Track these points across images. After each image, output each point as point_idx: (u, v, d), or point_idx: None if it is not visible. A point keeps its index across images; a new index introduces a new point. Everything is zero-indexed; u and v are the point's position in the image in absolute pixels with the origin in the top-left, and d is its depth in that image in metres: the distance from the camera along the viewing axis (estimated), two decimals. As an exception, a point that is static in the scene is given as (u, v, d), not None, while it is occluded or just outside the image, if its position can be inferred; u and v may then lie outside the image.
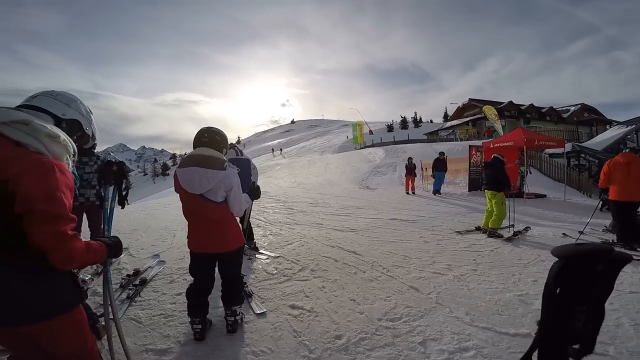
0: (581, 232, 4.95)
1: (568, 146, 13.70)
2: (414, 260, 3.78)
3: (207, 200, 2.03)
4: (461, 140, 24.81)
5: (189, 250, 2.17)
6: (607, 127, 24.69)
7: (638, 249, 4.25)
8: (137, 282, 3.11)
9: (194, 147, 2.15)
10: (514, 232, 5.15)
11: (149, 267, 3.65)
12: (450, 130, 33.38)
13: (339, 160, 21.64)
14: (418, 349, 1.98)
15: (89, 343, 1.33)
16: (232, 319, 2.25)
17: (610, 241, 4.60)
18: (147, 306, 2.70)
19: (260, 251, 4.20)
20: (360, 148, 30.28)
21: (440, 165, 10.99)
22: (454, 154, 13.63)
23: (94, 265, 3.35)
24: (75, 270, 1.63)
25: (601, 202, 6.16)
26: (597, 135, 21.52)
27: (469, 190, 10.96)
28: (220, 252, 2.14)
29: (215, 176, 2.00)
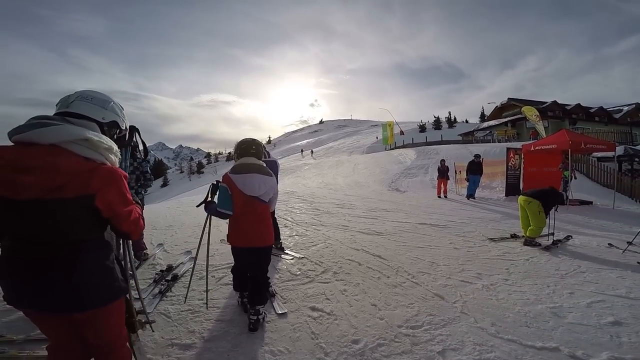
0: (630, 243, 4.54)
1: (620, 149, 12.58)
2: (441, 267, 3.67)
3: (260, 201, 2.46)
4: (499, 141, 23.59)
5: (230, 245, 2.54)
6: (666, 128, 22.38)
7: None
8: (169, 278, 3.29)
9: (241, 156, 2.56)
10: (554, 240, 4.83)
11: (181, 263, 3.84)
12: (488, 131, 31.83)
13: (367, 161, 21.43)
14: (436, 358, 1.94)
15: (123, 333, 1.45)
16: (255, 318, 2.39)
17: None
18: (177, 301, 2.83)
19: (286, 251, 4.28)
20: (391, 149, 29.78)
21: (475, 168, 10.51)
22: (491, 157, 13.02)
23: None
24: None
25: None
26: (654, 136, 19.57)
27: (506, 195, 10.40)
28: (262, 246, 2.49)
29: (270, 181, 2.51)
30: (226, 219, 2.47)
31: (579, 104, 30.90)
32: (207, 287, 2.76)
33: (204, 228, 2.70)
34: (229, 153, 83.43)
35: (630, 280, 3.23)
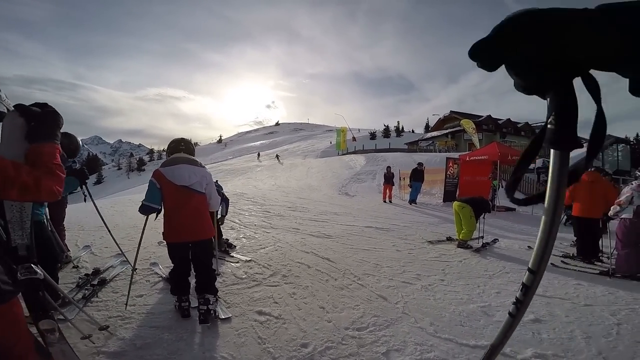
0: (545, 246, 5.16)
1: (539, 162, 14.35)
2: (385, 269, 3.82)
3: (193, 191, 2.48)
4: (440, 151, 25.47)
5: (166, 242, 2.52)
6: (578, 145, 25.97)
7: (595, 262, 4.50)
8: (95, 282, 2.98)
9: (172, 153, 2.64)
10: (483, 243, 5.31)
11: (110, 266, 3.51)
12: (430, 141, 34.16)
13: (320, 165, 21.68)
14: None
15: (23, 342, 1.24)
16: (205, 308, 2.40)
17: (571, 254, 4.84)
18: (104, 307, 2.61)
19: (231, 254, 4.12)
20: (343, 154, 30.49)
21: (417, 176, 11.20)
22: (432, 165, 13.95)
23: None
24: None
25: (565, 217, 6.48)
26: (566, 152, 22.62)
27: (444, 201, 11.23)
28: (198, 239, 2.50)
29: (200, 171, 2.54)
30: (151, 213, 2.50)
31: (509, 119, 34.48)
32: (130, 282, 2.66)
33: (143, 230, 2.71)
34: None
35: (545, 279, 3.65)
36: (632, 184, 4.12)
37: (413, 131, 73.54)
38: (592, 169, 5.08)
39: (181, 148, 2.68)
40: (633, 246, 3.94)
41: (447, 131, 34.63)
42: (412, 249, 4.85)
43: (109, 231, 3.36)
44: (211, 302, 2.44)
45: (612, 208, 4.19)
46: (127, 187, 36.10)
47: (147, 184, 2.48)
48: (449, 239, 5.66)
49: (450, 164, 11.60)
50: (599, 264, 4.45)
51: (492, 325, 2.46)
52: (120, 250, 3.39)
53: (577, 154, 0.49)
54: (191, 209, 2.45)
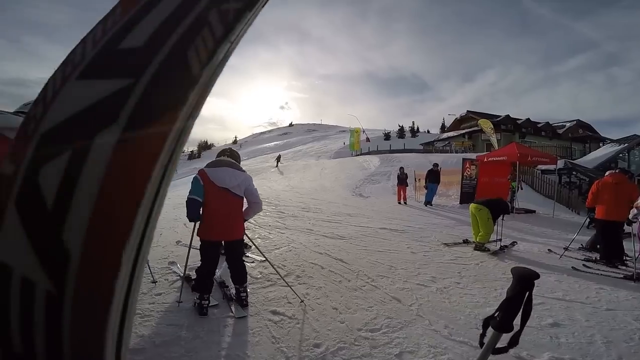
0: (566, 249, 5.01)
1: (560, 163, 13.89)
2: (399, 271, 3.79)
3: (232, 194, 2.64)
4: (456, 152, 24.99)
5: (199, 239, 2.66)
6: (600, 144, 24.91)
7: (619, 266, 4.32)
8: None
9: (218, 156, 2.86)
10: (501, 246, 5.19)
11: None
12: (446, 142, 33.54)
13: (334, 166, 21.67)
14: (394, 361, 1.99)
15: None
16: (245, 294, 2.77)
17: (594, 258, 4.67)
18: None
19: (247, 254, 4.19)
20: (357, 155, 30.37)
21: (433, 177, 11.03)
22: (448, 166, 13.72)
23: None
24: None
25: (588, 220, 6.25)
26: (589, 152, 21.81)
27: (460, 202, 11.02)
28: (231, 239, 2.75)
29: (240, 175, 2.72)
30: (196, 207, 2.59)
31: (529, 118, 33.38)
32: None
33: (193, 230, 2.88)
34: (191, 152, 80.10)
35: (566, 283, 3.55)
36: None
37: (428, 131, 72.39)
38: (617, 170, 4.90)
39: (227, 154, 2.91)
40: (659, 250, 3.78)
41: (463, 131, 33.91)
42: (428, 252, 4.79)
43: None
44: (247, 289, 2.82)
45: (631, 211, 4.05)
46: None
47: (192, 180, 2.67)
48: (466, 242, 5.55)
49: (467, 165, 11.38)
50: (623, 267, 4.28)
51: (508, 329, 2.41)
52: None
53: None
54: (228, 210, 2.63)
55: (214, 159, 2.82)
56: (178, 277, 3.31)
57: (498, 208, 5.23)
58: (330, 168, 21.14)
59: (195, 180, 2.62)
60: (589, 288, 3.38)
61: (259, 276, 3.44)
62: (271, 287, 3.18)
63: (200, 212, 2.63)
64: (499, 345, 0.95)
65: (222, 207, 2.60)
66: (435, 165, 11.41)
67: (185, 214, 2.66)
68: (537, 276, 0.88)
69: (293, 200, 10.66)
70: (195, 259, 3.18)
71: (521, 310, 0.89)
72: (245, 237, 3.83)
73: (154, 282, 3.18)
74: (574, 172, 14.14)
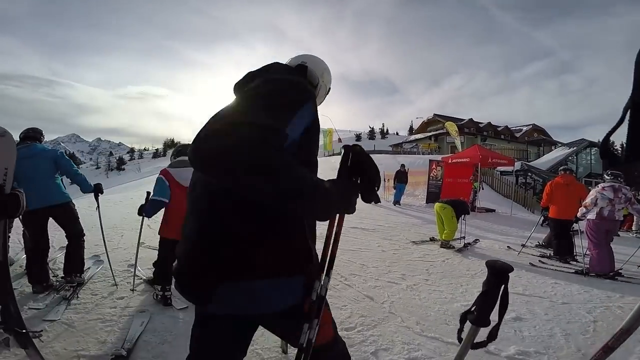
0: (523, 245, 5.34)
1: (517, 165, 14.83)
2: (371, 269, 3.85)
3: None
4: (423, 154, 25.89)
5: (159, 237, 2.71)
6: (553, 147, 26.97)
7: (571, 261, 4.68)
8: (74, 284, 2.87)
9: (177, 155, 2.84)
10: (465, 243, 5.45)
11: (87, 267, 3.38)
12: (414, 144, 34.66)
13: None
14: (370, 359, 2.00)
15: None
16: (170, 293, 2.68)
17: (548, 254, 5.02)
18: (83, 309, 2.51)
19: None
20: (329, 155, 30.47)
21: (401, 177, 11.35)
22: (415, 167, 14.16)
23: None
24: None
25: (542, 218, 6.72)
26: (543, 155, 23.53)
27: (427, 202, 11.43)
28: None
29: None
30: (159, 208, 2.60)
31: (490, 122, 35.41)
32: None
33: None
34: (156, 150, 76.34)
35: (525, 278, 3.78)
36: (597, 187, 4.33)
37: (397, 133, 74.42)
38: (561, 171, 5.30)
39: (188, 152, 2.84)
40: (604, 246, 4.13)
41: (430, 134, 35.27)
42: (397, 250, 4.91)
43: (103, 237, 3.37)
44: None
45: (579, 210, 4.39)
46: (106, 187, 34.83)
47: (156, 180, 2.65)
48: (432, 240, 5.77)
49: (434, 166, 11.82)
50: (574, 263, 4.64)
51: (476, 323, 2.51)
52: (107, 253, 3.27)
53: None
54: None
55: (177, 159, 2.79)
56: (141, 281, 3.13)
57: (460, 208, 5.49)
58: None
59: (160, 180, 2.60)
60: (546, 283, 3.63)
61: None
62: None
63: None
64: (477, 339, 0.96)
65: (184, 207, 2.52)
66: (403, 166, 11.75)
67: (143, 207, 2.69)
68: (511, 269, 0.89)
69: (264, 199, 10.49)
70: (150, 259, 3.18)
71: (497, 303, 0.90)
72: None
73: (115, 285, 3.00)
74: (529, 174, 15.17)
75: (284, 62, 1.16)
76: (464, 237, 5.71)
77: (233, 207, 0.82)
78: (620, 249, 4.25)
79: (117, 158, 77.72)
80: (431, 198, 11.40)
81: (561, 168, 5.52)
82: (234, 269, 0.82)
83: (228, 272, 0.82)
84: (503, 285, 0.88)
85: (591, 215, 4.22)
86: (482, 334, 0.98)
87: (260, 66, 1.00)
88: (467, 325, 0.98)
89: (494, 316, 0.94)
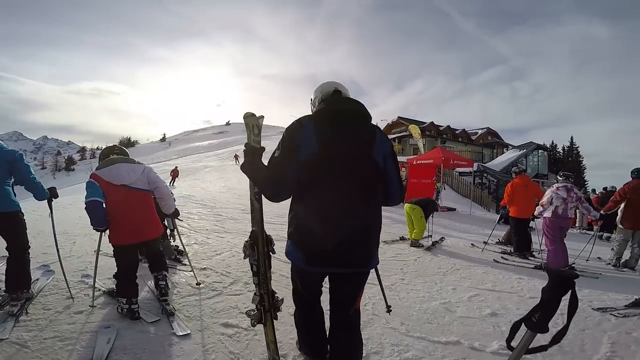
0: (485, 243, 5.65)
1: (474, 166, 15.81)
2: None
3: (136, 190, 2.49)
4: (388, 155, 26.56)
5: (114, 244, 2.46)
6: (505, 150, 29.12)
7: (529, 257, 5.03)
8: (22, 299, 2.53)
9: (105, 158, 2.61)
10: (433, 242, 5.66)
11: (35, 279, 3.01)
12: (379, 146, 35.46)
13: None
14: (361, 364, 1.95)
15: None
16: (164, 283, 2.64)
17: (509, 251, 5.35)
18: (35, 327, 2.22)
19: (183, 262, 3.79)
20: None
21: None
22: (382, 168, 14.49)
23: None
24: None
25: (500, 216, 7.17)
26: (497, 157, 25.30)
27: (394, 202, 11.74)
28: (147, 239, 2.58)
29: (139, 168, 2.59)
30: (100, 210, 2.37)
31: (449, 125, 37.33)
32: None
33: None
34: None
35: (492, 275, 3.99)
36: (552, 187, 4.69)
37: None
38: (514, 172, 5.70)
39: (116, 152, 2.70)
40: (559, 242, 4.48)
41: (394, 136, 36.37)
42: (371, 250, 4.94)
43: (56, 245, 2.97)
44: (167, 276, 2.73)
45: (537, 208, 4.74)
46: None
47: (85, 185, 2.42)
48: (402, 239, 5.92)
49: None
50: (532, 258, 4.99)
51: (456, 321, 2.60)
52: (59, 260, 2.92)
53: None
54: (135, 208, 2.48)
55: (104, 160, 2.58)
56: (101, 292, 2.83)
57: (429, 207, 5.70)
58: (269, 168, 20.71)
59: (90, 184, 2.39)
60: (511, 278, 3.85)
61: (201, 286, 3.13)
62: (217, 297, 2.92)
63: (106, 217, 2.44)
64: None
65: (129, 207, 2.43)
66: (371, 167, 11.99)
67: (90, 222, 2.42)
68: (577, 276, 0.94)
69: (232, 202, 10.14)
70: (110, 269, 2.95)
71: (567, 309, 0.96)
72: (178, 243, 3.62)
73: (71, 297, 2.69)
74: (485, 174, 16.21)
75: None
76: (431, 236, 5.94)
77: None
78: (569, 244, 4.61)
79: (66, 157, 71.41)
80: (397, 198, 11.72)
81: (514, 169, 5.91)
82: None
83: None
84: (570, 292, 0.93)
85: (547, 214, 4.55)
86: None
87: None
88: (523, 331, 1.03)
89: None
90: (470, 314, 2.76)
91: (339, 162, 1.41)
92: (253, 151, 1.49)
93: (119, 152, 2.70)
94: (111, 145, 2.82)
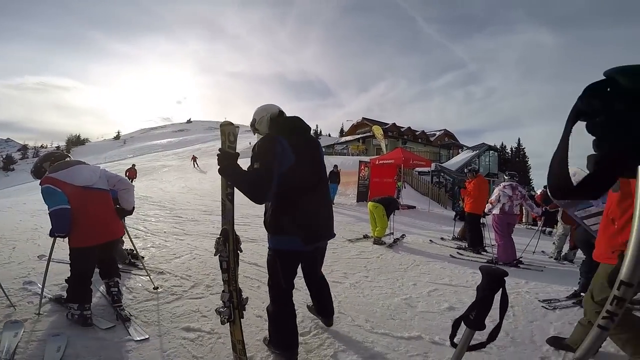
0: (443, 239, 5.98)
1: (432, 166, 16.63)
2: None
3: (98, 190, 2.49)
4: (352, 155, 27.16)
5: (71, 248, 2.36)
6: (460, 150, 30.92)
7: (482, 252, 5.39)
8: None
9: (57, 161, 2.51)
10: (394, 239, 5.87)
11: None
12: (344, 145, 36.13)
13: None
14: (331, 362, 1.99)
15: None
16: (116, 289, 2.57)
17: (464, 246, 5.69)
18: None
19: (138, 266, 3.58)
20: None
21: (333, 177, 11.71)
22: (346, 168, 14.79)
23: None
24: None
25: (456, 214, 7.62)
26: (453, 157, 26.82)
27: (357, 201, 12.02)
28: (112, 239, 2.63)
29: (98, 169, 2.63)
30: (68, 217, 2.27)
31: (410, 127, 38.97)
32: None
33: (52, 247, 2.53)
34: (57, 147, 65.05)
35: (449, 269, 4.22)
36: (500, 185, 5.07)
37: (329, 135, 76.60)
38: (478, 172, 6.10)
39: (67, 156, 2.73)
40: (507, 237, 4.84)
41: (359, 136, 37.13)
42: (336, 248, 5.02)
43: None
44: (119, 283, 2.66)
45: (486, 206, 5.09)
46: None
47: (41, 193, 2.30)
48: (366, 237, 6.07)
49: (362, 167, 12.49)
50: (485, 253, 5.35)
51: (417, 316, 2.71)
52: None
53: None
54: (99, 208, 2.47)
55: (57, 163, 2.48)
56: (47, 299, 2.60)
57: (391, 205, 5.90)
58: (232, 168, 20.17)
59: (48, 191, 2.27)
60: (466, 273, 4.09)
61: (159, 290, 2.98)
62: (177, 301, 2.80)
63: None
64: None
65: (92, 207, 2.42)
66: (335, 166, 12.14)
67: (51, 228, 2.29)
68: (506, 274, 0.97)
69: (192, 202, 9.76)
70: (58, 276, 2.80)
71: (498, 306, 0.97)
72: (130, 245, 3.54)
73: (12, 306, 2.45)
74: (442, 174, 17.12)
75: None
76: (392, 233, 6.15)
77: None
78: (516, 239, 4.99)
79: (4, 156, 64.28)
80: (361, 197, 12.02)
81: (469, 169, 6.29)
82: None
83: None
84: (501, 289, 0.95)
85: (496, 210, 4.91)
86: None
87: None
88: (462, 329, 1.03)
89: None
90: (430, 308, 2.90)
91: (309, 167, 1.90)
92: (229, 156, 1.72)
93: (60, 156, 2.68)
94: (54, 150, 2.93)
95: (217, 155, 1.73)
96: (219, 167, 1.71)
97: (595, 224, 3.94)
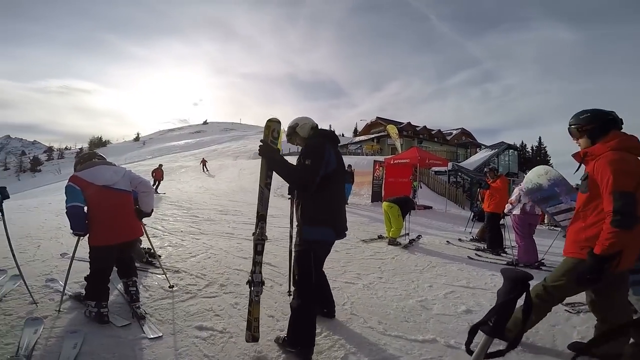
0: (460, 240, 5.82)
1: (449, 165, 16.29)
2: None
3: (118, 191, 2.52)
4: (367, 155, 26.94)
5: (90, 246, 2.44)
6: (478, 149, 30.18)
7: (502, 254, 5.21)
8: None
9: (84, 162, 2.62)
10: (410, 240, 5.75)
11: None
12: (358, 145, 35.90)
13: (254, 167, 20.96)
14: (341, 364, 1.96)
15: None
16: (134, 288, 2.63)
17: (482, 248, 5.52)
18: None
19: (155, 264, 3.65)
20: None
21: (347, 177, 11.65)
22: (360, 168, 14.66)
23: None
24: None
25: (473, 215, 7.41)
26: (470, 156, 26.21)
27: (372, 201, 11.90)
28: (131, 239, 2.70)
29: (120, 170, 2.67)
30: (81, 215, 2.37)
31: (425, 126, 38.37)
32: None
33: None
34: (80, 149, 67.73)
35: (466, 271, 4.09)
36: (520, 185, 4.87)
37: (343, 135, 76.16)
38: (487, 171, 5.92)
39: (97, 157, 2.78)
40: (528, 238, 4.66)
41: (373, 136, 36.83)
42: (350, 249, 4.97)
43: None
44: (137, 282, 2.73)
45: (506, 206, 4.91)
46: (18, 191, 29.43)
47: (65, 190, 2.40)
48: (380, 237, 5.98)
49: (377, 167, 12.36)
50: (504, 255, 5.17)
51: (432, 319, 2.64)
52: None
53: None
54: (119, 208, 2.52)
55: (84, 163, 2.63)
56: (67, 296, 2.68)
57: (406, 205, 5.79)
58: (250, 169, 20.42)
59: (69, 188, 2.39)
60: (484, 275, 3.96)
61: (174, 289, 3.02)
62: (191, 300, 2.83)
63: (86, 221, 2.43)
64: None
65: (112, 207, 2.47)
66: (350, 166, 12.06)
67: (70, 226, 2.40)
68: (531, 277, 0.90)
69: (208, 202, 9.91)
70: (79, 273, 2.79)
71: (521, 311, 0.93)
72: (147, 244, 3.53)
73: (34, 303, 2.53)
74: (459, 173, 16.74)
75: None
76: (408, 234, 6.02)
77: None
78: (538, 241, 4.80)
79: (31, 158, 67.44)
80: (375, 197, 11.90)
81: (489, 167, 6.10)
82: None
83: None
84: (525, 293, 0.89)
85: (516, 211, 4.73)
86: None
87: None
88: (480, 335, 0.98)
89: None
90: (446, 311, 2.82)
91: (342, 172, 2.28)
92: (270, 149, 2.03)
93: (101, 157, 2.80)
94: (91, 151, 3.01)
95: (259, 146, 2.02)
96: (263, 158, 2.04)
97: (564, 219, 3.84)
